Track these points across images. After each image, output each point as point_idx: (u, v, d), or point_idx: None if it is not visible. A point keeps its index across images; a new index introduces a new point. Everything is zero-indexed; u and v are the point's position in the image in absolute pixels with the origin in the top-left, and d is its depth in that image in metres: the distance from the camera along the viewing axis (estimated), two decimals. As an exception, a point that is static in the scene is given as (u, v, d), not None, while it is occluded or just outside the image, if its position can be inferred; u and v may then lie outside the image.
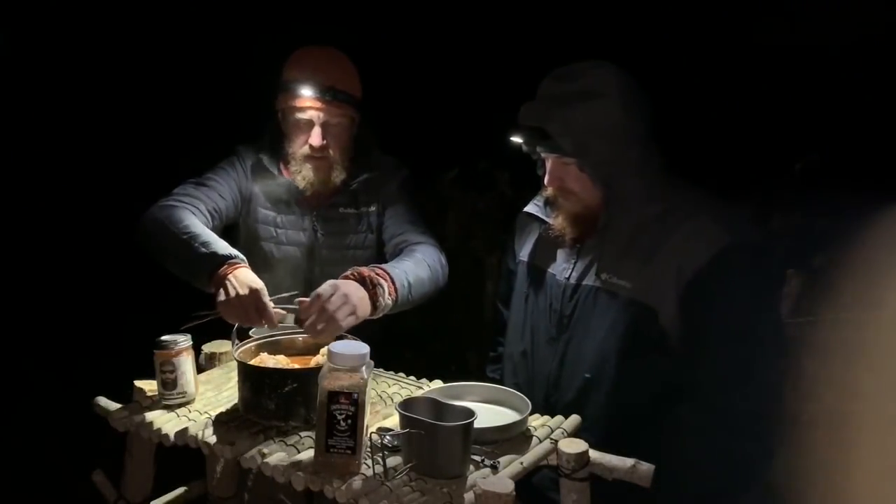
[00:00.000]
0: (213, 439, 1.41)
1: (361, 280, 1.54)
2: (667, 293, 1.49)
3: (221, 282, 1.51)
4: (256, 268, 1.97)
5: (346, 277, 1.54)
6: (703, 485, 1.42)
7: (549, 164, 1.61)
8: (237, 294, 1.47)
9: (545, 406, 1.63)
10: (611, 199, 1.56)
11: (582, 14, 3.05)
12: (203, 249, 1.57)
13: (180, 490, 1.81)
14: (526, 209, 1.79)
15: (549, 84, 1.56)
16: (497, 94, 1.64)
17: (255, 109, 2.16)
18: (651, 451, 1.39)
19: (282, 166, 2.01)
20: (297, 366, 1.52)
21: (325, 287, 1.47)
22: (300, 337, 1.61)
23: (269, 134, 2.04)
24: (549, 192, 1.64)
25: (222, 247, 1.58)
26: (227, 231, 1.96)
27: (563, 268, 1.67)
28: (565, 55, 1.65)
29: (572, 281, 1.63)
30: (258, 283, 1.50)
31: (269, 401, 1.43)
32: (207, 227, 1.76)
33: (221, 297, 1.48)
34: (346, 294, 1.47)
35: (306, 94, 1.89)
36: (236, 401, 1.53)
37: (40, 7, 3.74)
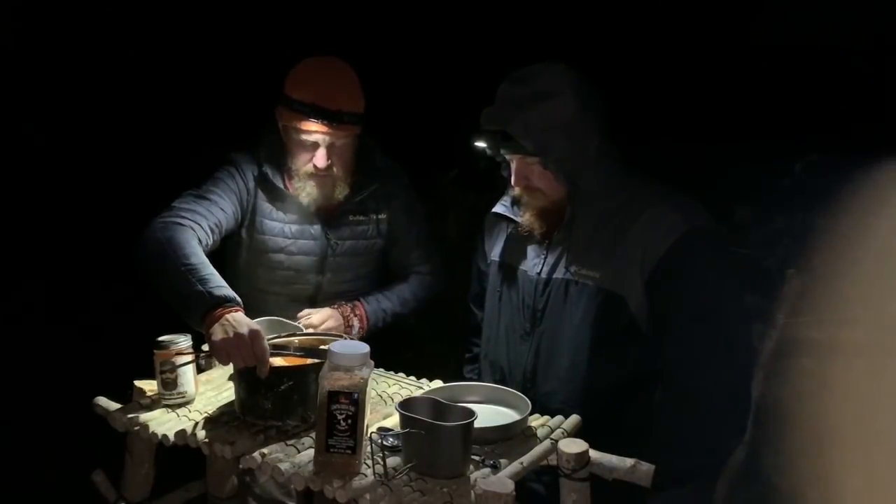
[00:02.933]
0: (212, 439, 1.41)
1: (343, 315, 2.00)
2: (633, 281, 1.54)
3: (215, 323, 1.45)
4: (266, 277, 2.01)
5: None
6: (677, 465, 1.44)
7: (513, 165, 1.66)
8: (237, 333, 1.42)
9: None
10: (575, 193, 1.62)
11: (579, 13, 3.06)
12: (199, 287, 1.49)
13: (180, 490, 1.81)
14: (494, 210, 1.84)
15: (506, 88, 1.61)
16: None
17: (247, 109, 2.14)
18: (627, 435, 1.44)
19: (285, 178, 1.99)
20: (298, 361, 1.51)
21: (316, 318, 1.94)
22: (296, 339, 1.62)
23: (267, 144, 2.00)
24: (516, 191, 1.70)
25: (220, 287, 1.51)
26: (224, 241, 1.93)
27: (533, 263, 1.71)
28: (564, 54, 1.66)
29: (543, 275, 1.68)
30: (257, 326, 1.45)
31: (265, 401, 1.42)
32: (208, 243, 1.75)
33: (217, 336, 1.43)
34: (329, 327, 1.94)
35: (314, 119, 1.86)
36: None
37: (37, 11, 3.74)
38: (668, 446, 1.47)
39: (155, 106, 3.96)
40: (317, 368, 1.43)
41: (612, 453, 1.38)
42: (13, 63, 3.73)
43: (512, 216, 1.77)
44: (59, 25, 3.77)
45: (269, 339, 1.48)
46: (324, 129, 1.87)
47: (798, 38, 2.53)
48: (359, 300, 2.05)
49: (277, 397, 1.42)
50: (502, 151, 1.64)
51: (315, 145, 1.91)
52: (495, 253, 1.84)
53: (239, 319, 1.45)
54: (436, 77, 3.27)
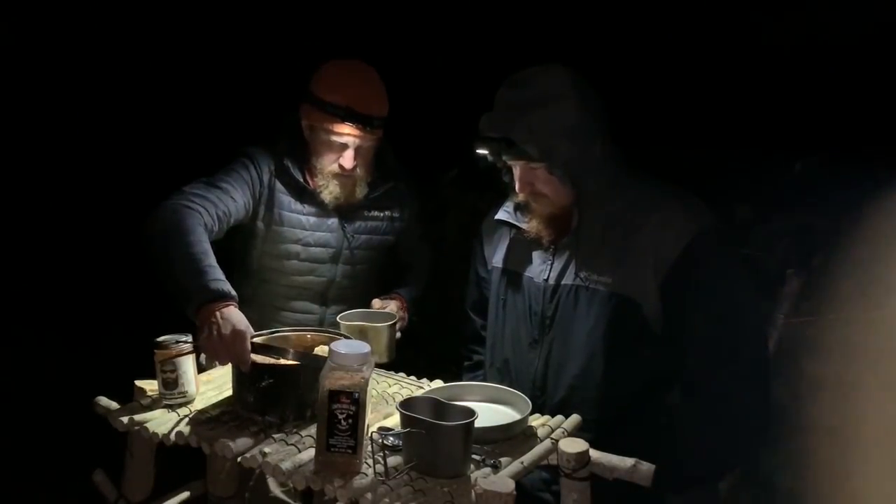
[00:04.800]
0: (213, 439, 1.41)
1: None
2: (646, 285, 1.52)
3: (207, 319, 1.48)
4: (280, 269, 2.06)
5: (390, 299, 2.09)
6: (697, 469, 1.43)
7: (517, 171, 1.63)
8: (219, 334, 1.45)
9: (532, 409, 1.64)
10: (581, 197, 1.60)
11: (578, 12, 3.06)
12: (197, 279, 1.52)
13: (180, 490, 1.80)
14: (497, 216, 1.79)
15: (505, 92, 1.59)
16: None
17: (258, 107, 2.15)
18: (645, 441, 1.42)
19: (306, 174, 2.04)
20: (282, 361, 1.52)
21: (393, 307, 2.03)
22: (308, 335, 1.66)
23: (287, 139, 2.05)
24: (520, 197, 1.66)
25: (216, 281, 1.53)
26: (235, 233, 1.98)
27: (540, 269, 1.68)
28: (565, 54, 1.66)
29: (551, 282, 1.65)
30: (243, 325, 1.47)
31: (248, 394, 1.47)
32: (213, 230, 1.78)
33: (204, 334, 1.47)
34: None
35: (348, 122, 1.92)
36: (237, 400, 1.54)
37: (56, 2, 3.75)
38: (695, 449, 1.45)
39: (164, 108, 3.96)
40: (296, 370, 1.46)
41: (631, 457, 1.37)
42: (30, 47, 3.73)
43: (515, 222, 1.73)
44: (81, 26, 3.78)
45: (255, 337, 1.51)
46: (356, 132, 1.93)
47: (800, 36, 2.53)
48: (397, 293, 2.14)
49: (259, 393, 1.46)
50: (505, 158, 1.60)
51: (343, 146, 1.96)
52: (497, 259, 1.80)
53: (227, 317, 1.47)
54: (435, 77, 3.27)
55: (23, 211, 4.10)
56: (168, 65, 3.88)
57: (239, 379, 1.50)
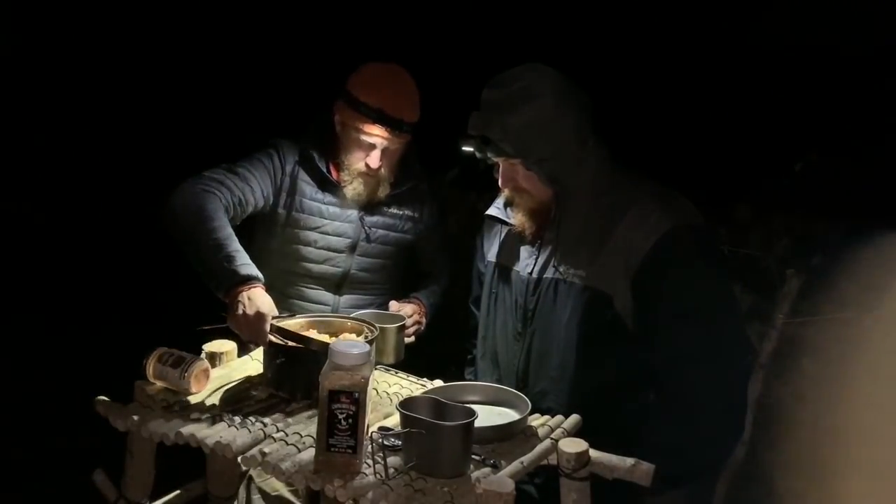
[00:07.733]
0: (213, 439, 1.41)
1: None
2: (618, 279, 1.55)
3: (235, 299, 1.61)
4: (297, 256, 2.11)
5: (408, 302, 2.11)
6: (671, 467, 1.43)
7: (500, 167, 1.68)
8: (244, 313, 1.59)
9: None
10: (560, 192, 1.63)
11: (579, 11, 3.06)
12: (226, 264, 1.65)
13: (180, 490, 1.80)
14: (488, 212, 1.86)
15: (487, 92, 1.63)
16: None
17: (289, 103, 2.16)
18: (622, 436, 1.43)
19: (331, 166, 2.09)
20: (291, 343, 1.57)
21: (409, 310, 2.05)
22: (348, 323, 1.71)
23: (317, 132, 2.11)
24: (505, 192, 1.72)
25: (244, 265, 1.66)
26: (255, 220, 2.05)
27: (525, 264, 1.72)
28: (566, 52, 1.66)
29: (534, 275, 1.69)
30: (266, 307, 1.59)
31: (268, 370, 1.60)
32: (230, 215, 1.85)
33: (232, 312, 1.61)
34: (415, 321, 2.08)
35: (379, 124, 1.96)
36: (237, 400, 1.55)
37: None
38: (662, 447, 1.46)
39: (183, 103, 3.96)
40: (304, 353, 1.53)
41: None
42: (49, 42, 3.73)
43: (504, 218, 1.79)
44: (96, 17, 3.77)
45: (277, 319, 1.60)
46: (385, 134, 1.98)
47: (801, 38, 2.54)
48: (417, 298, 2.17)
49: (275, 369, 1.57)
50: (488, 154, 1.65)
51: (371, 146, 2.00)
52: (492, 254, 1.85)
53: (253, 297, 1.61)
54: (436, 77, 3.27)
55: (27, 210, 4.10)
56: (206, 64, 3.89)
57: (264, 357, 1.63)
